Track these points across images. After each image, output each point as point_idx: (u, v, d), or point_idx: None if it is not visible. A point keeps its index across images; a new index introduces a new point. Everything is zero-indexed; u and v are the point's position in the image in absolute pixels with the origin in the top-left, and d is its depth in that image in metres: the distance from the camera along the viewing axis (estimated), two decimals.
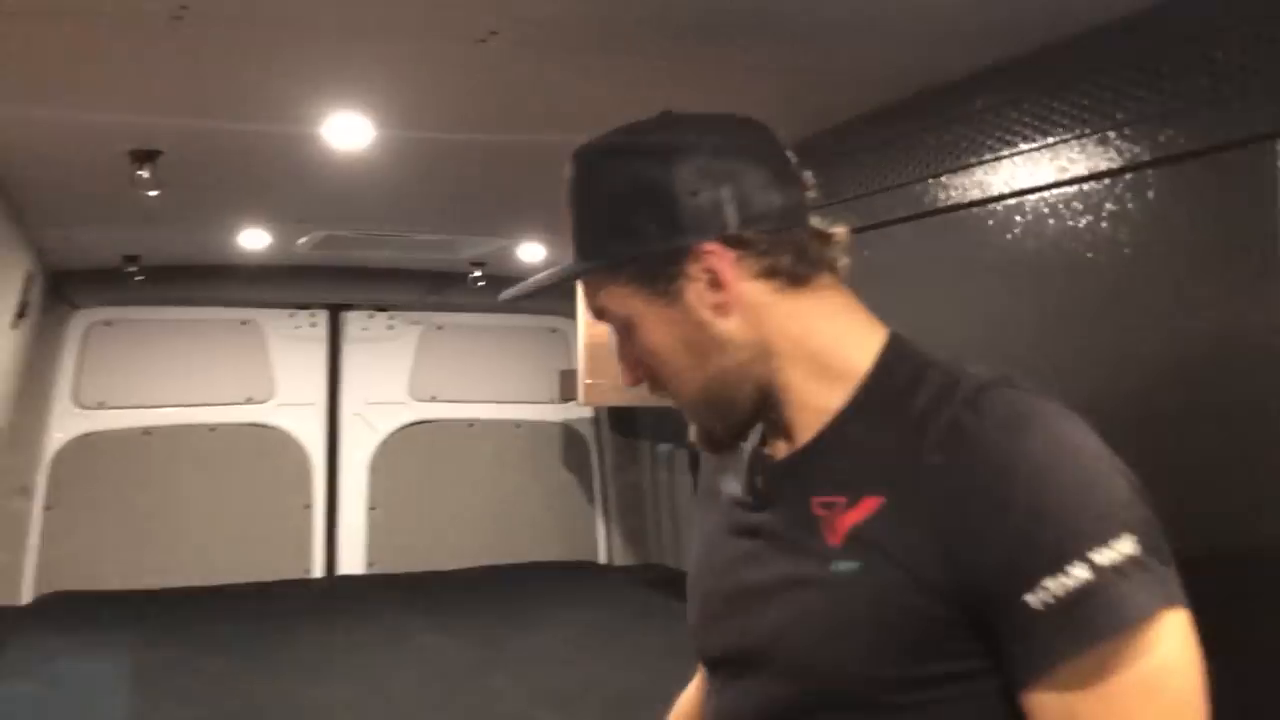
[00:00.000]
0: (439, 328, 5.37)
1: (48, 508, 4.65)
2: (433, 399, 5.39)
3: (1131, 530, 0.87)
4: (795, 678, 1.00)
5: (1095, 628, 0.85)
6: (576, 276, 1.11)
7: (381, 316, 5.32)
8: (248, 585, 4.76)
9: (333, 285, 4.98)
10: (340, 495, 5.23)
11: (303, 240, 4.01)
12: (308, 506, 5.17)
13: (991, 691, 0.92)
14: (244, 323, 5.10)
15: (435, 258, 4.53)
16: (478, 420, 5.43)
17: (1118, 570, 0.86)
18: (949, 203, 1.91)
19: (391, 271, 4.87)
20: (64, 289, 4.58)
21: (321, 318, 5.25)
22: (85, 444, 4.77)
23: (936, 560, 0.91)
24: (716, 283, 1.02)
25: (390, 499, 5.28)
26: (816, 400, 1.03)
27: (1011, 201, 1.78)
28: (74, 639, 3.81)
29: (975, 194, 1.85)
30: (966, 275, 1.88)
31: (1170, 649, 0.87)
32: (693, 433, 1.13)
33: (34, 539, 4.58)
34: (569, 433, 5.54)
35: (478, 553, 5.21)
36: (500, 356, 5.38)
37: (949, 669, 0.93)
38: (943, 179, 1.93)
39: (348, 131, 2.40)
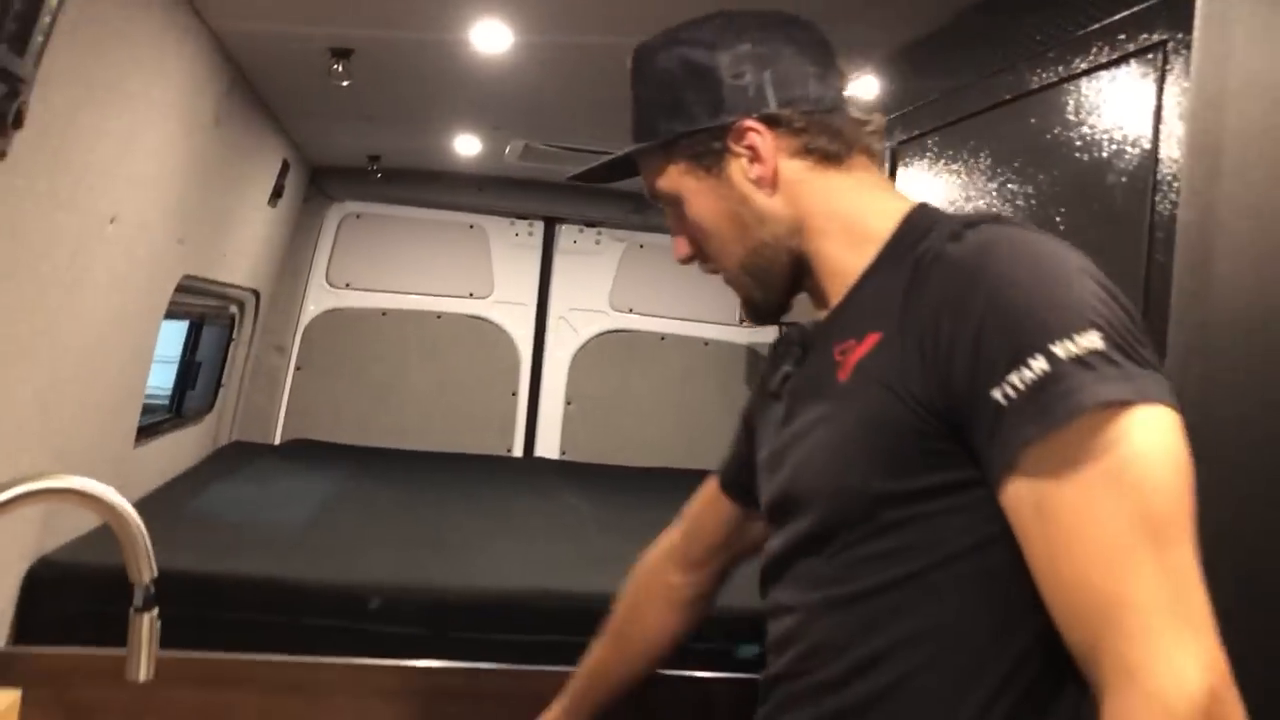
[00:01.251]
0: (640, 246, 5.84)
1: (298, 367, 5.50)
2: (630, 311, 5.88)
3: (1098, 328, 0.88)
4: (811, 508, 1.06)
5: (1053, 413, 0.86)
6: (637, 154, 1.22)
7: (590, 232, 5.85)
8: (456, 455, 5.44)
9: (548, 199, 5.57)
10: (542, 387, 5.82)
11: (507, 149, 4.55)
12: (514, 394, 5.80)
13: (981, 500, 0.94)
14: (471, 226, 5.76)
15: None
16: (669, 334, 5.87)
17: (1079, 361, 0.86)
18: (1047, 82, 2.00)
19: (600, 190, 5.36)
20: (323, 183, 5.40)
21: (538, 228, 5.83)
22: (332, 317, 5.59)
23: (916, 374, 0.96)
24: (757, 158, 1.12)
25: (585, 396, 5.82)
26: (846, 265, 1.11)
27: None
28: (299, 468, 4.60)
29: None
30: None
31: (1144, 440, 0.85)
32: (740, 307, 1.24)
33: (286, 392, 5.45)
34: (754, 355, 5.88)
35: (660, 455, 5.65)
36: (694, 277, 5.63)
37: (940, 480, 0.96)
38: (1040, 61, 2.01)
39: (491, 36, 2.84)
